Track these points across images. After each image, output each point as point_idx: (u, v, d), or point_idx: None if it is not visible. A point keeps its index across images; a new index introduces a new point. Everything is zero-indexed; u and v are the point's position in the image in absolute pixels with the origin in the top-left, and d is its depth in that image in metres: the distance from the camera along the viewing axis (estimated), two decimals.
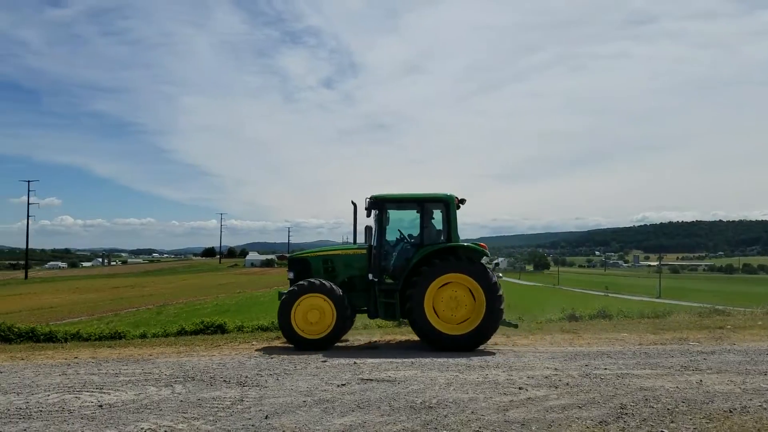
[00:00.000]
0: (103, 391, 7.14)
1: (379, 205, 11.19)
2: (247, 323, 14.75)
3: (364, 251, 11.46)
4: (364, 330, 13.32)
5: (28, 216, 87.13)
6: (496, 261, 12.80)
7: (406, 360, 9.09)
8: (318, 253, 11.79)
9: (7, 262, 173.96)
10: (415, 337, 11.11)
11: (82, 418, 5.92)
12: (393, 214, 11.49)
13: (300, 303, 10.57)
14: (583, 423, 5.74)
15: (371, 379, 7.63)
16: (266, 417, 5.91)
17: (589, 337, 12.00)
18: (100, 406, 6.41)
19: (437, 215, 11.39)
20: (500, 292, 10.59)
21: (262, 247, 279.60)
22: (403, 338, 12.05)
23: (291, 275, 11.59)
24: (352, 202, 11.46)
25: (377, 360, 9.12)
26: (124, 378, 7.92)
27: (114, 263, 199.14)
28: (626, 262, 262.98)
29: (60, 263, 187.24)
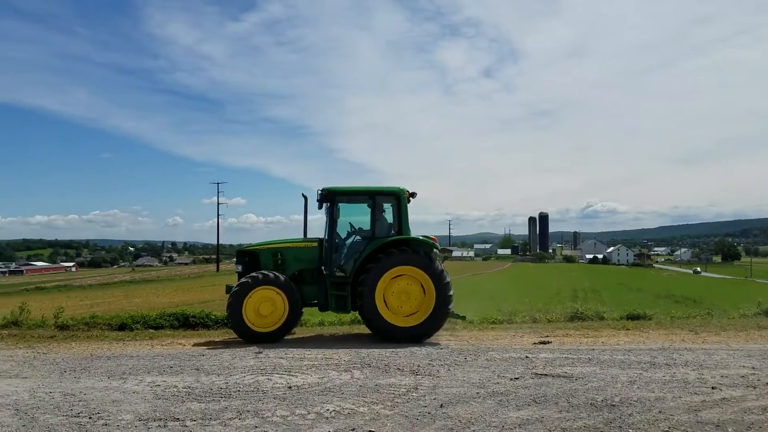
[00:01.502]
0: (291, 374, 7.71)
1: (331, 198, 11.11)
2: None
3: (315, 244, 11.41)
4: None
5: (218, 215, 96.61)
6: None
7: (582, 356, 8.72)
8: (267, 246, 11.66)
9: (202, 257, 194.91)
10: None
11: (274, 398, 6.43)
12: (343, 208, 11.33)
13: (251, 296, 10.56)
14: None
15: (546, 374, 7.43)
16: (441, 406, 6.00)
17: None
18: (290, 387, 6.93)
19: (388, 209, 11.34)
20: (447, 281, 10.75)
21: None
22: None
23: (239, 268, 11.52)
24: (303, 195, 11.54)
25: (551, 355, 8.86)
26: (308, 362, 8.49)
27: None
28: None
29: None
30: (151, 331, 12.98)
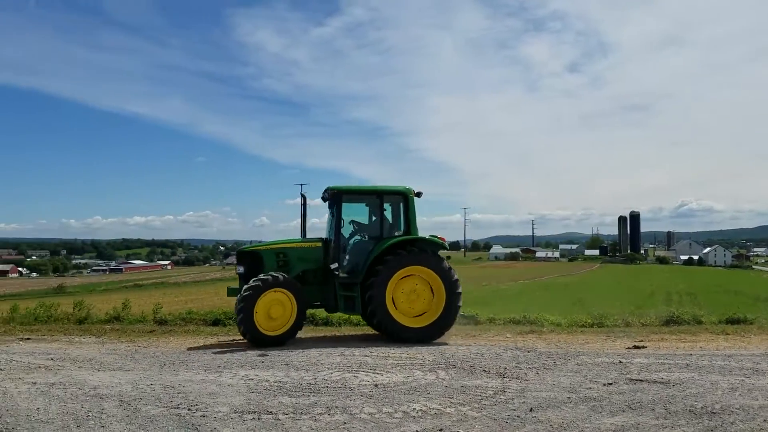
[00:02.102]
0: (376, 372, 7.79)
1: (338, 197, 10.90)
2: (498, 315, 14.84)
3: (319, 244, 11.15)
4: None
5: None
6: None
7: (679, 362, 8.31)
8: (270, 247, 11.27)
9: None
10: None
11: (361, 396, 6.53)
12: (345, 207, 11.15)
13: (262, 298, 10.16)
14: None
15: (641, 380, 7.13)
16: (531, 410, 5.88)
17: None
18: (376, 385, 7.00)
19: (388, 208, 11.27)
20: (457, 282, 10.79)
21: (505, 241, 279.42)
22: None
23: (241, 270, 11.09)
24: (302, 194, 11.37)
25: (646, 360, 8.50)
26: (392, 361, 8.56)
27: None
28: None
29: None
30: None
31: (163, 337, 12.06)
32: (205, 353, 9.64)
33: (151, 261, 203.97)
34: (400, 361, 8.52)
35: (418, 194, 11.45)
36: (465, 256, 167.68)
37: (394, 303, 10.67)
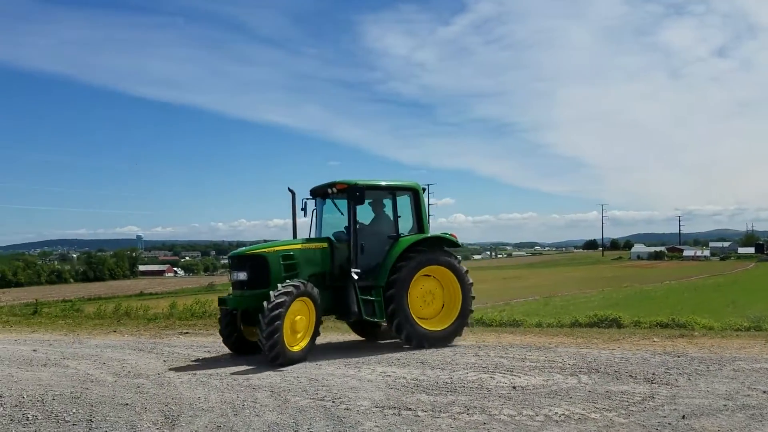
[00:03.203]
0: (513, 374, 7.69)
1: (356, 192, 9.91)
2: (643, 318, 14.04)
3: (326, 245, 10.16)
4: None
5: (428, 215, 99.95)
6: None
7: None
8: (276, 249, 9.83)
9: None
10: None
11: (499, 397, 6.48)
12: (336, 205, 10.59)
13: (288, 311, 8.83)
14: None
15: None
16: (683, 417, 5.54)
17: None
18: (514, 387, 6.92)
19: (388, 204, 10.78)
20: (470, 280, 10.47)
21: (648, 239, 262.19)
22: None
23: (242, 276, 9.58)
24: (290, 189, 10.64)
25: None
26: (530, 363, 8.39)
27: (500, 256, 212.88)
28: None
29: None
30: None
31: None
32: (345, 349, 10.06)
33: None
34: (537, 364, 8.34)
35: (423, 189, 11.17)
36: (603, 255, 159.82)
37: (411, 307, 10.05)
